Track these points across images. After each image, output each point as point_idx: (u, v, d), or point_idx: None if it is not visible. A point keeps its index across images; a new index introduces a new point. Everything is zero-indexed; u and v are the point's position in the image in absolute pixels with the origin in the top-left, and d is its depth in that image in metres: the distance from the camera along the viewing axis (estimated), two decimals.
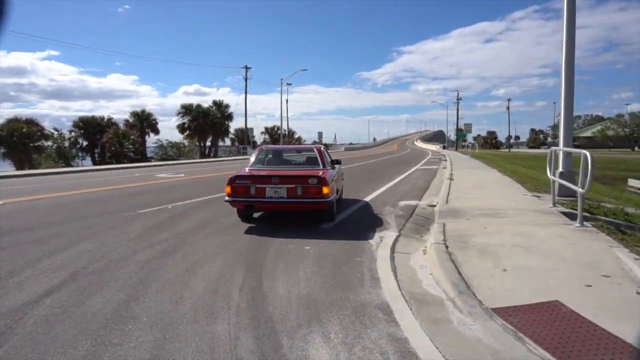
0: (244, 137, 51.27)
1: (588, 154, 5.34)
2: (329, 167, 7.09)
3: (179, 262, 4.87)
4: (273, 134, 68.84)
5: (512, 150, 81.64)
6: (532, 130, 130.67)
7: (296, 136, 70.33)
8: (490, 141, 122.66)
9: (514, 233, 5.57)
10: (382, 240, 5.86)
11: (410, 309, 3.47)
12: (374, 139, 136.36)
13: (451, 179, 12.84)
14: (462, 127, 67.52)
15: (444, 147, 72.98)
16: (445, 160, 30.06)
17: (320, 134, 69.40)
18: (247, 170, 6.73)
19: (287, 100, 69.96)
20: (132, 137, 40.79)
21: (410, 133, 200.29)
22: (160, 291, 3.91)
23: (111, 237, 6.00)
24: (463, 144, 67.49)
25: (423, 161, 29.08)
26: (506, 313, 3.22)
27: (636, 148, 65.18)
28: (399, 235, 6.15)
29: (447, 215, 6.88)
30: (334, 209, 6.73)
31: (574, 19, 8.29)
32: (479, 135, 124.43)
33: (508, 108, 79.96)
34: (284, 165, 7.21)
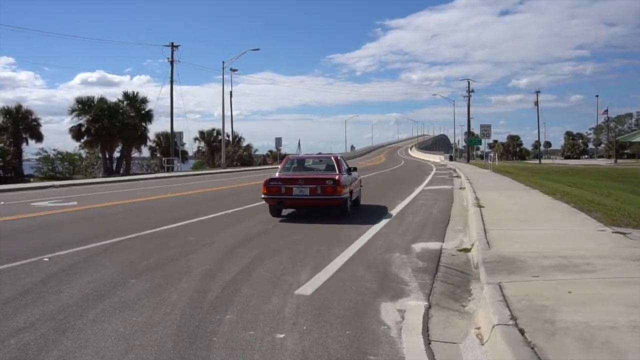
0: (170, 146, 49.76)
1: None
2: (345, 173, 12.21)
3: None
4: (211, 140, 67.81)
5: (543, 161, 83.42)
6: (568, 134, 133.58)
7: (244, 143, 69.65)
8: (512, 149, 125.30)
9: (623, 302, 4.76)
10: (405, 317, 4.96)
11: None
12: (352, 147, 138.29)
13: (479, 206, 12.47)
14: (476, 131, 68.70)
15: (450, 158, 73.68)
16: (459, 177, 30.10)
17: (278, 141, 68.76)
18: (277, 175, 11.75)
19: (231, 92, 68.96)
20: (1, 145, 38.61)
21: (401, 139, 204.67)
22: None
23: None
24: (477, 152, 68.57)
25: (427, 178, 29.29)
26: None
27: None
28: (429, 307, 5.26)
29: (498, 269, 6.08)
30: (348, 206, 11.64)
31: None
32: (496, 142, 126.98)
33: (537, 104, 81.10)
34: (307, 171, 12.62)
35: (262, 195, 11.78)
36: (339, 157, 13.32)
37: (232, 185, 24.35)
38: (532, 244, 7.54)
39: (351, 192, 12.41)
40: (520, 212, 11.60)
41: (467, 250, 8.03)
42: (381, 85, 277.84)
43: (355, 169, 14.25)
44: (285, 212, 12.49)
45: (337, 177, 11.60)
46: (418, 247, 8.43)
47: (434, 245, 8.59)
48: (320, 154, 14.56)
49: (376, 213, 12.74)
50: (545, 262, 6.36)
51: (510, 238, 8.11)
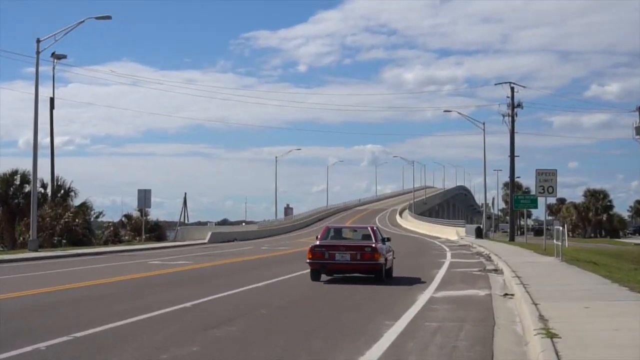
0: None
1: None
2: (380, 242, 26.67)
3: None
4: (10, 193, 66.07)
5: None
6: None
7: (76, 200, 68.55)
8: (594, 216, 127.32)
9: None
10: None
11: None
12: (288, 209, 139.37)
13: (550, 335, 12.24)
14: (526, 182, 70.13)
15: (479, 233, 74.19)
16: (499, 270, 30.17)
17: (143, 196, 67.80)
18: (318, 243, 26.59)
19: (52, 100, 68.01)
20: None
21: (383, 195, 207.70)
22: None
23: None
24: (529, 222, 69.51)
25: (439, 274, 30.18)
26: None
27: None
28: None
29: None
30: (383, 273, 26.02)
31: None
32: (563, 204, 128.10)
33: None
34: (346, 239, 28.73)
35: (307, 260, 25.75)
36: (374, 227, 28.53)
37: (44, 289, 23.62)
38: None
39: (386, 260, 26.15)
40: (635, 349, 11.32)
41: None
42: (346, 91, 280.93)
43: (389, 239, 28.77)
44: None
45: (374, 245, 25.32)
46: None
47: None
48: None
49: (345, 347, 12.64)
50: None
51: None
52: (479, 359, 11.97)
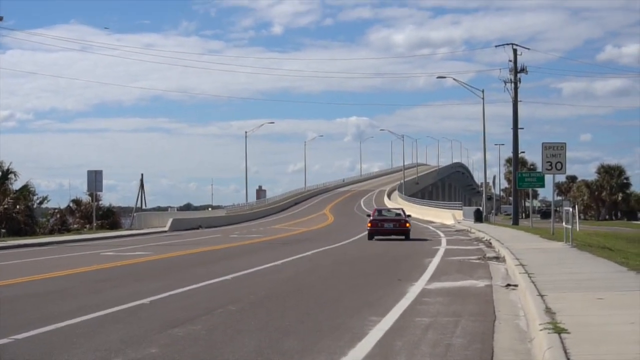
0: None
1: None
2: (406, 217, 63.26)
3: None
4: None
5: None
6: None
7: (16, 183, 68.64)
8: (608, 196, 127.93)
9: None
10: None
11: None
12: (260, 191, 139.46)
13: (557, 330, 12.22)
14: (532, 158, 70.32)
15: (478, 216, 74.60)
16: (500, 258, 30.40)
17: (94, 178, 67.58)
18: (372, 218, 61.34)
19: None
20: None
21: (369, 174, 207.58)
22: None
23: None
24: (536, 203, 69.71)
25: (432, 264, 30.20)
26: None
27: None
28: None
29: None
30: (410, 234, 57.05)
31: None
32: (573, 182, 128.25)
33: None
34: (387, 216, 66.55)
35: (367, 228, 53.90)
36: (403, 209, 64.91)
37: None
38: None
39: (410, 227, 55.70)
40: None
41: None
42: (326, 55, 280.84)
43: (410, 215, 62.25)
44: None
45: (405, 218, 56.75)
46: None
47: None
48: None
49: (325, 348, 12.69)
50: None
51: None
52: (477, 358, 11.94)
